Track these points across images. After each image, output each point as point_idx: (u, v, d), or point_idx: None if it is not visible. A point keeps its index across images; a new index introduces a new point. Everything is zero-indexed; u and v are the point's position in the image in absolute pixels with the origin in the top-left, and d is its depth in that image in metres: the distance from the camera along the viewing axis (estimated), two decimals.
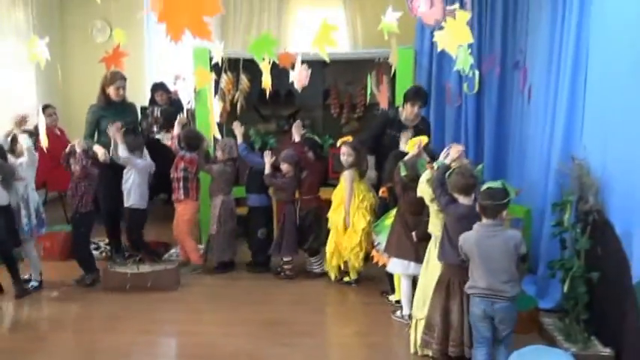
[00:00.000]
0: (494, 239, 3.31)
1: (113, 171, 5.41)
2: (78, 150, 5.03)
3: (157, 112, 7.14)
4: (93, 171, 5.14)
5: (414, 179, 4.02)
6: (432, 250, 3.84)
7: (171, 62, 8.06)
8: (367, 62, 6.33)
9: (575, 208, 3.96)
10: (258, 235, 5.53)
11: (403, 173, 4.19)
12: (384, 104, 5.16)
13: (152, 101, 7.36)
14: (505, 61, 6.07)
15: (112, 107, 5.52)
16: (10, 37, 7.15)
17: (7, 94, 7.11)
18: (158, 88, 7.30)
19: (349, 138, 5.15)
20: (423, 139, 4.35)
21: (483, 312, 3.35)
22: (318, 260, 5.42)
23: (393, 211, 4.53)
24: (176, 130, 5.59)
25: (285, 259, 5.37)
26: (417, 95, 5.21)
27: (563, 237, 3.99)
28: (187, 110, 7.19)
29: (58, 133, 6.91)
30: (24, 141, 4.96)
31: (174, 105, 7.17)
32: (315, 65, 4.80)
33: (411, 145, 4.37)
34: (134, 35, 7.57)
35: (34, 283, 5.10)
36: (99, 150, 5.30)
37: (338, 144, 5.14)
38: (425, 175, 3.82)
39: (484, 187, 3.38)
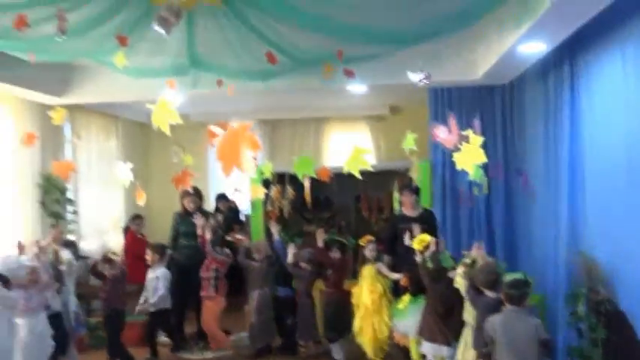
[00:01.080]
0: (520, 325, 3.04)
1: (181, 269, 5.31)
2: (114, 258, 4.98)
3: (220, 218, 7.11)
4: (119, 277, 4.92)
5: (439, 270, 3.92)
6: (467, 336, 3.56)
7: (230, 177, 8.10)
8: (390, 173, 6.26)
9: (586, 298, 3.58)
10: (287, 322, 5.29)
11: (429, 266, 4.03)
12: (411, 211, 5.06)
13: (216, 209, 7.37)
14: (508, 167, 5.88)
15: (188, 215, 5.58)
16: (103, 162, 7.31)
17: (100, 208, 7.18)
18: (221, 198, 7.34)
19: (371, 237, 5.06)
20: (429, 238, 4.26)
21: None
22: (338, 347, 5.07)
23: (406, 297, 4.41)
24: (207, 235, 5.24)
25: (301, 343, 5.19)
26: (404, 187, 5.17)
27: (579, 326, 3.58)
28: (245, 216, 7.20)
29: (140, 236, 6.89)
30: (64, 254, 4.83)
31: (233, 212, 7.18)
32: (349, 176, 4.72)
33: (417, 242, 4.26)
34: (202, 157, 7.68)
35: None
36: (198, 221, 5.27)
37: (361, 242, 5.03)
38: (459, 270, 3.64)
39: (508, 277, 3.17)
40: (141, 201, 4.77)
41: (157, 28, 3.33)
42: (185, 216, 5.65)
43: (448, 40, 4.58)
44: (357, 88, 5.93)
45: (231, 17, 3.77)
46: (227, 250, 5.41)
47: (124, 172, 4.79)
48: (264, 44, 4.11)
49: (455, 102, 6.02)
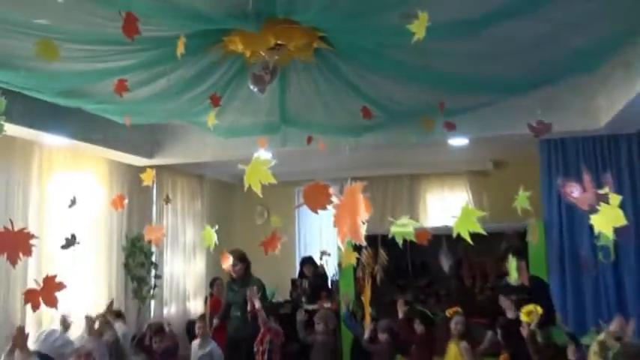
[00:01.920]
0: None
1: None
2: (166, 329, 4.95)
3: (305, 284, 7.05)
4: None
5: (551, 346, 3.74)
6: None
7: (317, 239, 8.17)
8: (494, 234, 5.97)
9: None
10: None
11: (539, 342, 3.75)
12: (524, 279, 4.72)
13: (301, 274, 7.32)
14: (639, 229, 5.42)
15: (235, 283, 5.51)
16: (188, 223, 7.63)
17: (183, 272, 7.43)
18: (306, 262, 7.27)
19: (457, 309, 4.77)
20: (538, 309, 3.91)
21: None
22: None
23: None
24: (257, 304, 5.00)
25: None
26: (509, 251, 4.72)
27: None
28: (332, 282, 7.08)
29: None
30: (118, 327, 4.79)
31: (320, 278, 7.08)
32: (447, 238, 4.56)
33: (525, 313, 3.95)
34: (287, 217, 7.81)
35: None
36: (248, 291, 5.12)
37: (448, 314, 4.76)
38: (594, 348, 3.31)
39: None
40: (226, 265, 4.87)
41: (252, 87, 3.50)
42: (232, 283, 5.54)
43: (563, 84, 4.42)
44: (457, 141, 5.86)
45: (324, 71, 3.89)
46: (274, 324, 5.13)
47: (211, 235, 4.92)
48: (358, 98, 4.19)
49: (571, 155, 5.72)
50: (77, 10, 2.92)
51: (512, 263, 4.94)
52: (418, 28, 2.18)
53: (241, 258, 5.43)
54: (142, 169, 4.98)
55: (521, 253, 4.92)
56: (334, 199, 1.79)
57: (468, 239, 3.62)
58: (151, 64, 3.46)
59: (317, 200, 1.75)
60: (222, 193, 8.65)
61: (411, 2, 2.55)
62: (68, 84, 3.83)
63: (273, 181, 3.01)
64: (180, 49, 2.65)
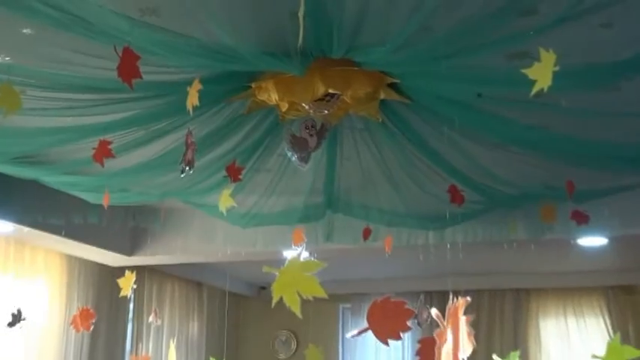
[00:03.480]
0: None
1: None
2: None
3: None
4: None
5: None
6: None
7: None
8: None
9: None
10: None
11: None
12: None
13: None
14: None
15: None
16: (181, 356, 7.61)
17: None
18: None
19: None
20: None
21: None
22: None
23: None
24: None
25: None
26: None
27: None
28: None
29: None
30: None
31: None
32: None
33: None
34: (328, 348, 7.72)
35: None
36: None
37: None
38: None
39: None
40: None
41: (289, 154, 3.60)
42: None
43: None
44: (590, 241, 5.83)
45: (394, 133, 3.97)
46: None
47: None
48: (443, 173, 4.24)
49: None
50: (49, 45, 3.11)
51: None
52: (541, 74, 2.23)
53: None
54: (118, 271, 5.02)
55: None
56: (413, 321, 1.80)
57: None
58: (147, 120, 3.61)
59: (388, 325, 1.71)
60: (231, 310, 8.64)
61: (530, 38, 2.63)
62: (30, 146, 3.99)
63: (323, 295, 3.01)
64: (194, 100, 2.70)
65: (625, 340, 7.78)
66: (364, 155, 4.33)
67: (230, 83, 3.52)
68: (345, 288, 6.78)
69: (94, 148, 3.34)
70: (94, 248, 6.13)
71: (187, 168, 2.78)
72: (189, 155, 2.79)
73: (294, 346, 8.67)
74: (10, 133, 3.79)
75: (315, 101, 3.46)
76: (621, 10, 2.76)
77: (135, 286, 5.86)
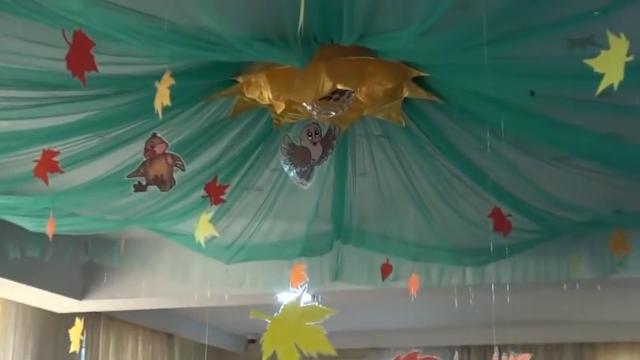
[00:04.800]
0: None
1: None
2: None
3: None
4: None
5: None
6: None
7: None
8: None
9: None
10: None
11: None
12: None
13: None
14: None
15: None
16: None
17: None
18: None
19: None
20: None
21: None
22: None
23: None
24: None
25: None
26: None
27: None
28: None
29: None
30: None
31: None
32: None
33: None
34: None
35: None
36: None
37: None
38: None
39: None
40: None
41: (286, 168, 3.61)
42: None
43: None
44: None
45: (420, 141, 3.98)
46: None
47: None
48: (484, 192, 4.24)
49: None
50: None
51: None
52: (610, 66, 2.22)
53: None
54: (66, 318, 5.03)
55: None
56: None
57: None
58: (104, 124, 3.62)
59: None
60: None
61: (595, 19, 2.64)
62: None
63: (331, 350, 3.03)
64: (164, 99, 2.70)
65: None
66: (383, 170, 4.35)
67: (211, 77, 3.54)
68: (358, 341, 6.77)
69: (35, 160, 3.36)
70: (34, 290, 6.13)
71: (153, 186, 2.76)
72: (164, 171, 2.77)
73: None
74: None
75: (320, 100, 3.47)
76: None
77: (82, 338, 5.92)
